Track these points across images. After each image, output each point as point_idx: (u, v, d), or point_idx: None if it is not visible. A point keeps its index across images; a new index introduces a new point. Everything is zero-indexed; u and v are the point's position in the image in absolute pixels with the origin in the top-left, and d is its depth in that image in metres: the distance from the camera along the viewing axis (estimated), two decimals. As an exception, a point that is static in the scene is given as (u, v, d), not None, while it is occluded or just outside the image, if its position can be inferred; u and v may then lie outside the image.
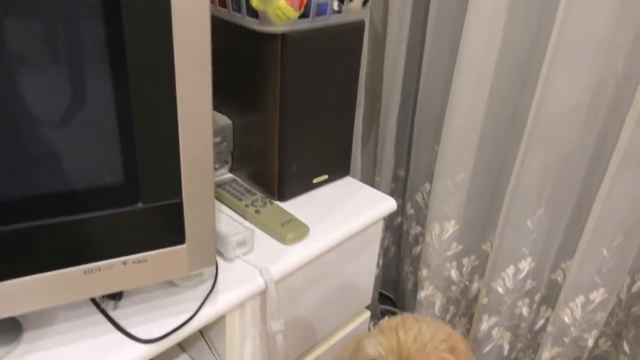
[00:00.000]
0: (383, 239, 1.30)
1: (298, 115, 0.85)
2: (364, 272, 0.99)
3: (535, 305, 0.96)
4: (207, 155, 0.55)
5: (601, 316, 0.84)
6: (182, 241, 0.58)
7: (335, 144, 0.95)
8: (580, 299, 0.83)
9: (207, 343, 0.80)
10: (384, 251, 1.32)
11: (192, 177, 0.55)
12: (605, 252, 0.78)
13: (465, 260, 1.03)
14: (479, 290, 1.02)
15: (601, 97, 0.75)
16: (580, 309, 0.83)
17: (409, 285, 1.22)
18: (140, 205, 0.54)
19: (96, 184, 0.52)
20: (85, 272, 0.54)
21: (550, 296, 0.95)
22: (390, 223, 1.29)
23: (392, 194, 1.27)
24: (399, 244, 1.30)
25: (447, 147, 0.95)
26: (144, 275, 0.58)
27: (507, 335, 0.98)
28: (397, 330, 0.60)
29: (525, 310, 0.95)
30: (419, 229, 1.18)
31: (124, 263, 0.56)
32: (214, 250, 0.62)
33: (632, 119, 0.70)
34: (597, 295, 0.82)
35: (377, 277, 1.28)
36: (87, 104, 0.49)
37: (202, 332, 0.80)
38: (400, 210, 1.26)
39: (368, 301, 1.04)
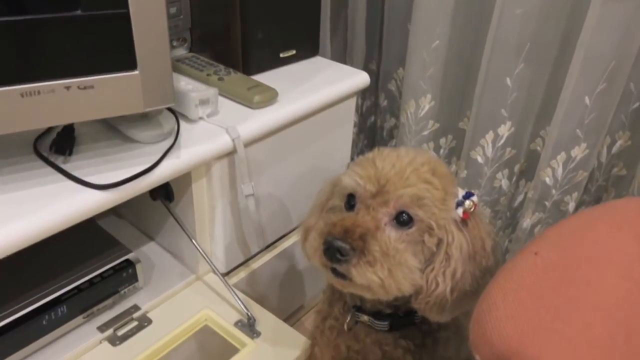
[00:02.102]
0: (357, 140, 1.26)
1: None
2: (337, 156, 0.94)
3: (514, 179, 0.93)
4: (154, -43, 0.48)
5: (582, 175, 0.82)
6: (133, 66, 0.51)
7: (302, 18, 0.89)
8: (561, 157, 0.80)
9: (176, 219, 0.74)
10: (359, 153, 1.27)
11: (139, -18, 0.48)
12: (587, 100, 0.75)
13: (442, 141, 0.99)
14: (457, 173, 0.99)
15: None
16: (562, 168, 0.81)
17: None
18: (79, 12, 0.47)
19: (24, -18, 0.45)
20: (22, 95, 0.47)
21: (529, 169, 0.92)
22: (364, 124, 1.24)
23: (363, 92, 1.22)
24: (373, 145, 1.26)
25: (421, 18, 0.89)
26: (92, 107, 0.51)
27: (487, 212, 0.96)
28: (374, 160, 0.56)
29: (504, 183, 0.93)
30: (393, 121, 1.14)
31: (67, 87, 0.49)
32: (172, 85, 0.56)
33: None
34: (579, 152, 0.80)
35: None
36: None
37: (170, 209, 0.75)
38: (374, 108, 1.21)
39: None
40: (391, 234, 0.52)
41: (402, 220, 0.52)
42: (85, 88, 0.50)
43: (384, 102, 1.14)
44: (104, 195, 0.56)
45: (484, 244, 0.56)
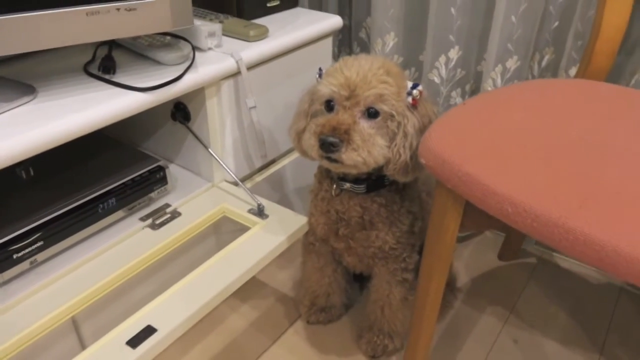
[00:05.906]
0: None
1: None
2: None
3: (467, 97, 1.13)
4: None
5: (518, 84, 1.02)
6: (163, -6, 0.70)
7: (282, -25, 1.07)
8: (499, 68, 0.99)
9: (194, 134, 0.92)
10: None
11: None
12: (514, 19, 0.95)
13: (406, 73, 1.18)
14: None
15: None
16: (500, 78, 1.00)
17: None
18: (125, -49, 0.65)
19: None
20: (87, 14, 0.65)
21: (478, 89, 1.12)
22: (342, 73, 1.43)
23: (339, 44, 1.40)
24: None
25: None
26: (135, 24, 0.70)
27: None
28: (342, 70, 0.74)
29: (459, 101, 1.12)
30: (366, 65, 1.32)
31: (118, 9, 0.67)
32: (191, 10, 0.74)
33: None
34: (512, 63, 0.99)
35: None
36: None
37: (188, 127, 0.93)
38: (349, 58, 1.40)
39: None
40: (364, 124, 0.71)
41: (371, 113, 0.71)
42: (130, 10, 0.68)
43: (357, 50, 1.33)
44: (145, 97, 0.74)
45: (430, 120, 0.75)
